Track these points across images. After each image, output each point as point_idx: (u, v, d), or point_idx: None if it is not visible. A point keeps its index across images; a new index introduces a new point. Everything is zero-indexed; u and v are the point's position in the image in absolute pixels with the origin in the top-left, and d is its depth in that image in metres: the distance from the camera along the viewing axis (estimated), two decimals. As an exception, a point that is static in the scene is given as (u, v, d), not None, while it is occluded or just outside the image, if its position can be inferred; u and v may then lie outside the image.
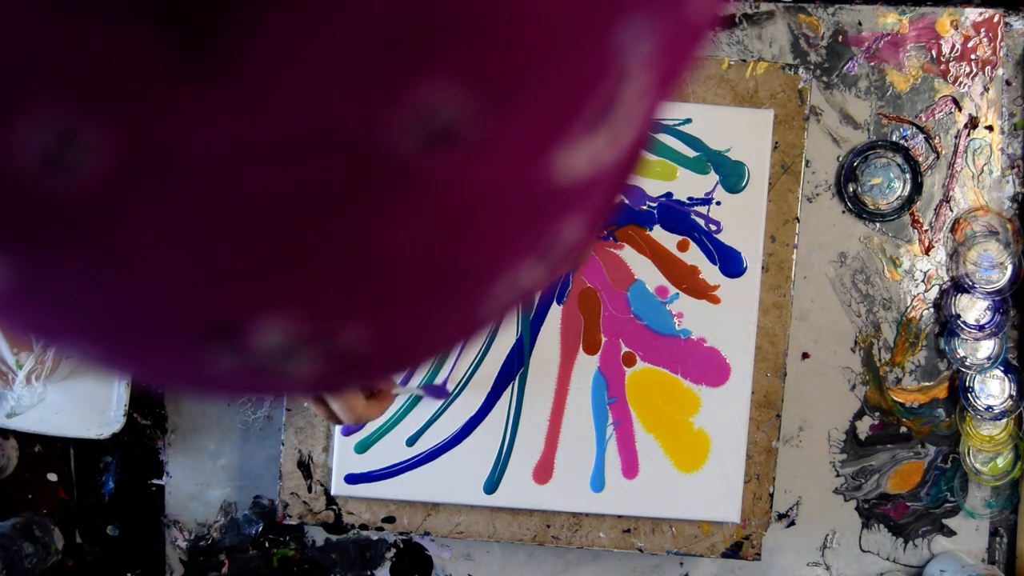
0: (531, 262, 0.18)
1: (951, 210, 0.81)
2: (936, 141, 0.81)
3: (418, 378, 0.76)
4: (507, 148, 0.14)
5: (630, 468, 0.76)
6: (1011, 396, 0.81)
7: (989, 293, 0.80)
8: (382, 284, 0.16)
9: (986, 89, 0.81)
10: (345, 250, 0.14)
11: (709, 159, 0.76)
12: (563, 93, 0.15)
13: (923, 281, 0.81)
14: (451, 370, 0.76)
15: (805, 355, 0.82)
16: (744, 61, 0.76)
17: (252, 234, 0.14)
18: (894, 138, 0.81)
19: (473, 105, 0.13)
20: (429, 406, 0.76)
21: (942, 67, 0.81)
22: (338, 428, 0.76)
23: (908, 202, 0.81)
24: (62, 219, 0.13)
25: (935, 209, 0.81)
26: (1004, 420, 0.81)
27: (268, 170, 0.13)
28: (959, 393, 0.80)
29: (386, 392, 0.59)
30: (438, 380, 0.76)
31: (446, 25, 0.12)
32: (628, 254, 0.76)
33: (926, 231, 0.81)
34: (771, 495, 0.77)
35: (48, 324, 0.16)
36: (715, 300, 0.76)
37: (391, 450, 0.76)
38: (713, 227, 0.76)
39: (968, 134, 0.81)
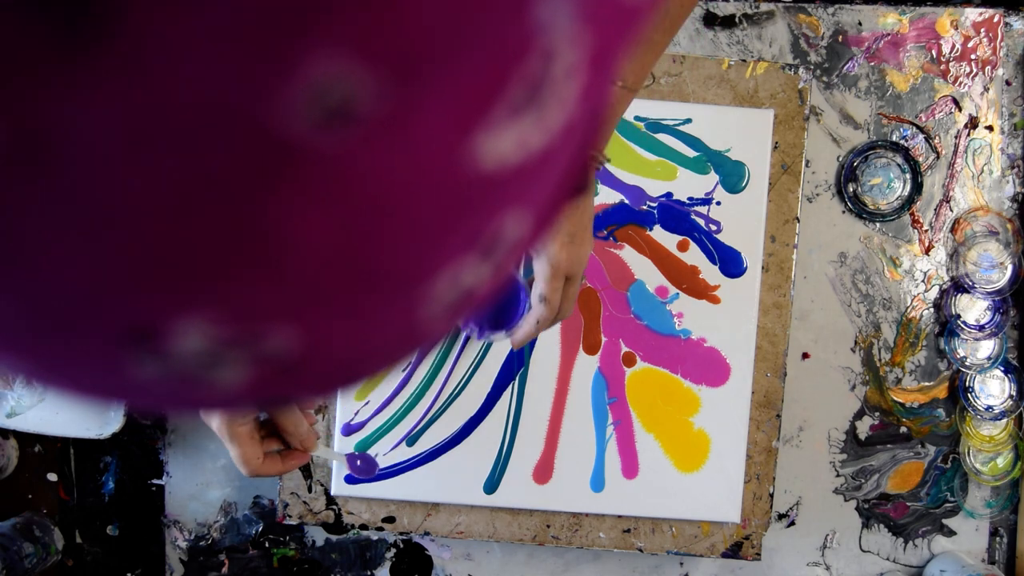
0: (473, 259, 0.17)
1: (951, 210, 0.81)
2: (936, 141, 0.81)
3: (353, 441, 0.75)
4: (417, 128, 0.14)
5: (630, 468, 0.76)
6: (1011, 396, 0.81)
7: (989, 293, 0.80)
8: (299, 279, 0.14)
9: (986, 89, 0.81)
10: (251, 242, 0.14)
11: (709, 159, 0.76)
12: (478, 71, 0.14)
13: (923, 281, 0.81)
14: (416, 425, 0.75)
15: (805, 355, 0.82)
16: (744, 61, 0.76)
17: (149, 225, 0.13)
18: (894, 138, 0.81)
19: (372, 80, 0.13)
20: (428, 406, 0.76)
21: (942, 67, 0.81)
22: (338, 428, 0.76)
23: (908, 202, 0.81)
24: None
25: (935, 209, 0.81)
26: (1004, 420, 0.81)
27: (157, 156, 0.12)
28: (959, 393, 0.80)
29: (296, 452, 0.58)
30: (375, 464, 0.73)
31: None
32: (628, 254, 0.76)
33: (926, 231, 0.81)
34: (771, 495, 0.77)
35: None
36: (715, 300, 0.76)
37: (391, 450, 0.76)
38: (713, 227, 0.76)
39: (968, 134, 0.81)
